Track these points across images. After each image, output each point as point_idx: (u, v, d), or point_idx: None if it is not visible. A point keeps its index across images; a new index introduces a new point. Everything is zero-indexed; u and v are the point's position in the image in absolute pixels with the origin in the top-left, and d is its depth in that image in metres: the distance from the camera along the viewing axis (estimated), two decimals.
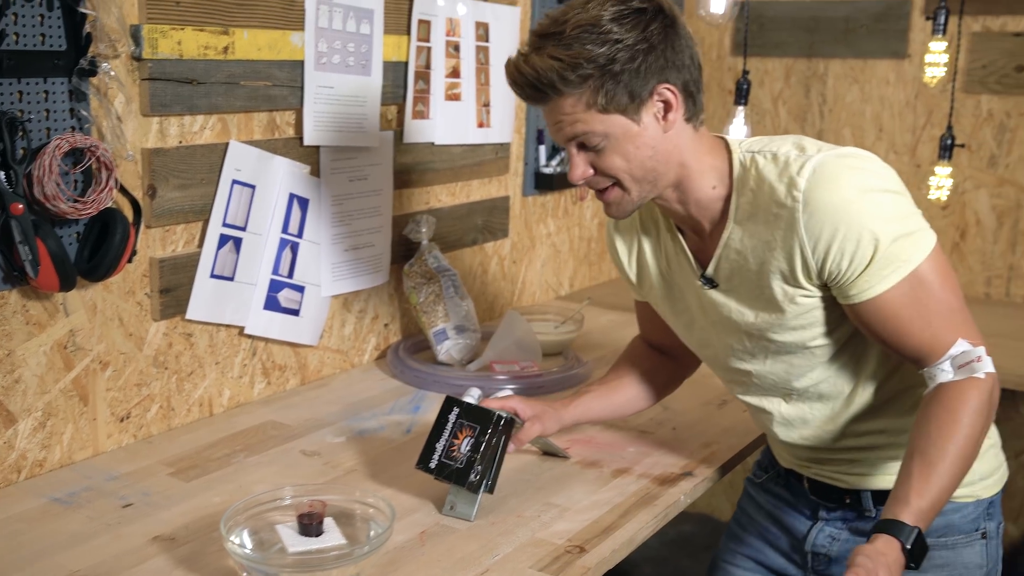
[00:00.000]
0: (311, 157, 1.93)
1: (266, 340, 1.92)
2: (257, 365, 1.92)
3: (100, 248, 1.53)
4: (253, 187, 1.81)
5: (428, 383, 2.02)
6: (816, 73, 3.13)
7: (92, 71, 1.50)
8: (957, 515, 1.46)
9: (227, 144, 1.75)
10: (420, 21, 2.10)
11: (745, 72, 2.42)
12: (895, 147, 3.03)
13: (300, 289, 1.95)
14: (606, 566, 1.38)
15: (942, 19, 2.34)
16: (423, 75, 2.15)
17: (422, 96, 2.15)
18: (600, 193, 1.40)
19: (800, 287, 1.35)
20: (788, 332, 1.40)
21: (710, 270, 1.43)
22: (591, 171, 1.36)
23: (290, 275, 1.92)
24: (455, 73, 2.23)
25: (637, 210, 1.43)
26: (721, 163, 1.39)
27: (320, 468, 1.63)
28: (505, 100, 2.40)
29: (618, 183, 1.36)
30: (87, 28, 1.48)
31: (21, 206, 1.41)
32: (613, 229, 1.59)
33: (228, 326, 1.84)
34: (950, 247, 2.97)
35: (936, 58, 2.37)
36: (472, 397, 1.54)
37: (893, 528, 1.22)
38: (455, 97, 2.24)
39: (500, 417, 1.48)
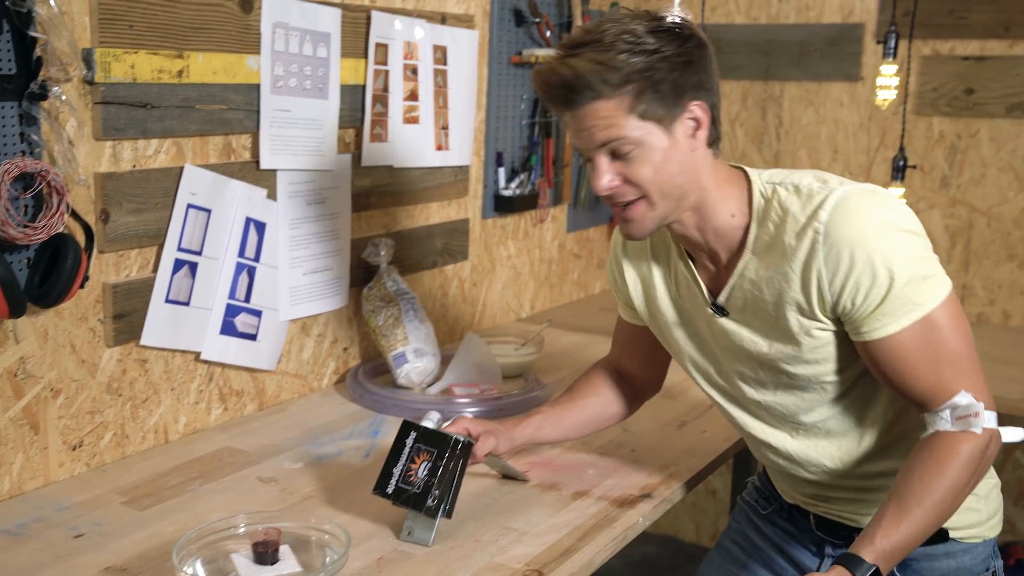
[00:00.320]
0: (268, 180, 1.92)
1: (223, 365, 1.91)
2: (214, 391, 1.90)
3: (51, 274, 1.51)
4: (209, 211, 1.80)
5: (387, 407, 2.01)
6: (772, 95, 3.17)
7: (43, 95, 1.48)
8: (968, 556, 1.46)
9: (182, 168, 1.74)
10: (377, 44, 2.10)
11: None
12: (850, 168, 3.07)
13: (257, 313, 1.94)
14: None
15: (892, 43, 2.38)
16: (381, 98, 2.15)
17: (380, 119, 2.15)
18: (623, 209, 1.36)
19: (816, 319, 1.34)
20: (802, 365, 1.39)
21: (722, 299, 1.43)
22: (618, 181, 1.33)
23: (247, 299, 1.91)
24: (413, 96, 2.23)
25: (655, 232, 1.40)
26: (741, 193, 1.39)
27: (276, 495, 1.62)
28: (464, 123, 2.41)
29: (645, 197, 1.34)
30: (38, 52, 1.47)
31: None
32: (622, 253, 1.58)
33: (184, 351, 1.82)
34: None
35: (887, 81, 2.41)
36: (431, 421, 1.53)
37: (851, 562, 1.24)
38: (413, 120, 2.24)
39: (458, 441, 1.47)
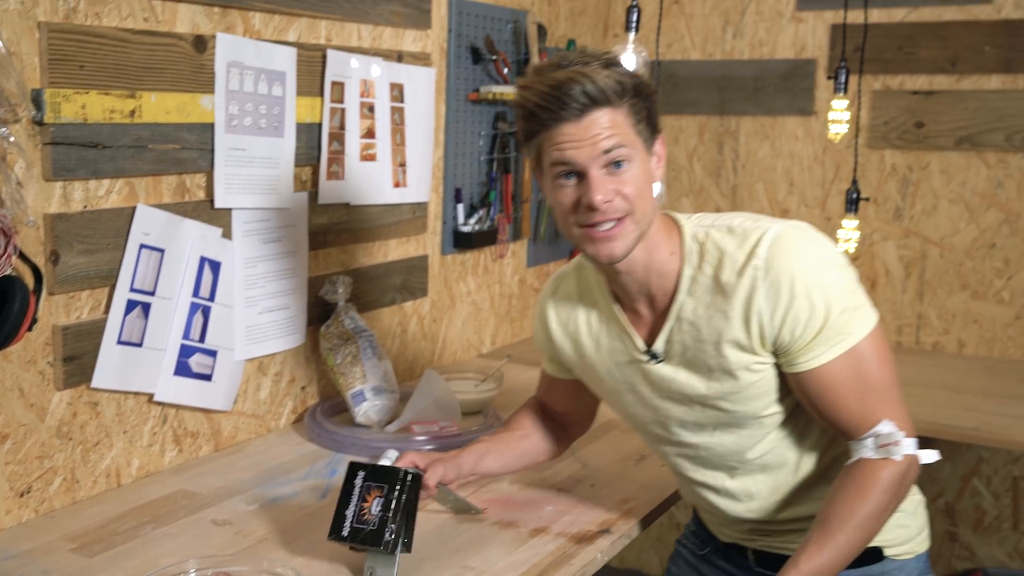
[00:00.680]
0: (223, 219, 1.91)
1: (177, 407, 1.88)
2: (168, 432, 1.87)
3: None
4: (162, 251, 1.78)
5: (346, 446, 1.99)
6: (728, 130, 3.21)
7: None
8: (903, 573, 1.50)
9: (134, 208, 1.72)
10: (333, 83, 2.11)
11: None
12: (806, 200, 3.11)
13: (212, 353, 1.92)
14: None
15: (843, 78, 2.42)
16: (337, 136, 2.15)
17: (337, 157, 2.15)
18: (609, 229, 1.35)
19: (755, 354, 1.37)
20: (742, 402, 1.42)
21: (658, 344, 1.45)
22: (612, 195, 1.33)
23: (202, 339, 1.89)
24: (370, 134, 2.23)
25: (628, 253, 1.39)
26: (674, 236, 1.42)
27: (230, 538, 1.59)
28: (422, 160, 2.42)
29: (631, 214, 1.35)
30: None
31: None
32: (548, 303, 1.59)
33: (137, 393, 1.80)
34: None
35: (839, 115, 2.45)
36: (388, 459, 1.52)
37: None
38: (370, 157, 2.24)
39: (407, 473, 1.46)
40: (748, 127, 3.18)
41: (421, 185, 2.43)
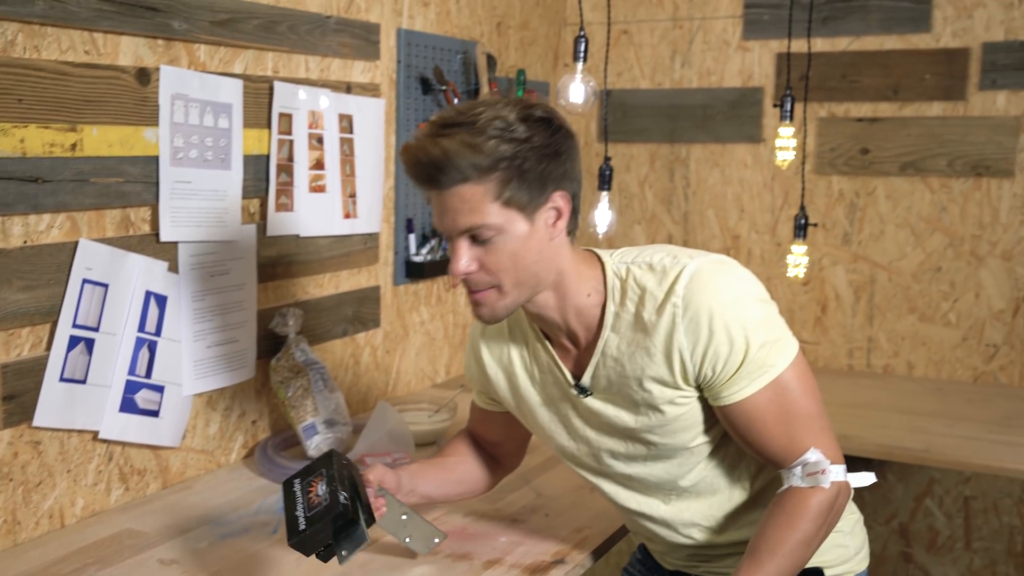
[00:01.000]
0: (169, 253, 1.88)
1: (123, 444, 1.85)
2: (114, 470, 1.84)
3: None
4: (106, 285, 1.75)
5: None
6: (679, 157, 3.24)
7: None
8: None
9: (77, 242, 1.70)
10: (281, 114, 2.10)
11: (607, 159, 2.49)
12: (756, 227, 3.14)
13: (159, 389, 1.89)
14: None
15: (788, 106, 2.46)
16: (286, 168, 2.13)
17: (285, 189, 2.14)
18: (474, 293, 1.37)
19: (679, 389, 1.38)
20: (669, 435, 1.42)
21: (585, 379, 1.45)
22: (475, 266, 1.34)
23: (148, 375, 1.86)
24: (319, 165, 2.23)
25: (508, 316, 1.41)
26: (596, 273, 1.42)
27: None
28: (372, 190, 2.41)
29: (498, 285, 1.35)
30: None
31: None
32: (480, 337, 1.58)
33: (81, 431, 1.76)
34: (812, 322, 3.08)
35: (785, 142, 2.49)
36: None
37: None
38: (320, 189, 2.23)
39: (332, 451, 1.46)
40: (698, 154, 3.22)
41: (372, 216, 2.42)
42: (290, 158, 2.14)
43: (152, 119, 1.81)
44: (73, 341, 1.71)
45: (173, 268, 1.89)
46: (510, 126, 1.29)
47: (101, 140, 1.72)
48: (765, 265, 3.12)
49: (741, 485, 1.48)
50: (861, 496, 2.67)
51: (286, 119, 2.12)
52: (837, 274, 3.05)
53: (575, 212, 1.38)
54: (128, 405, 1.82)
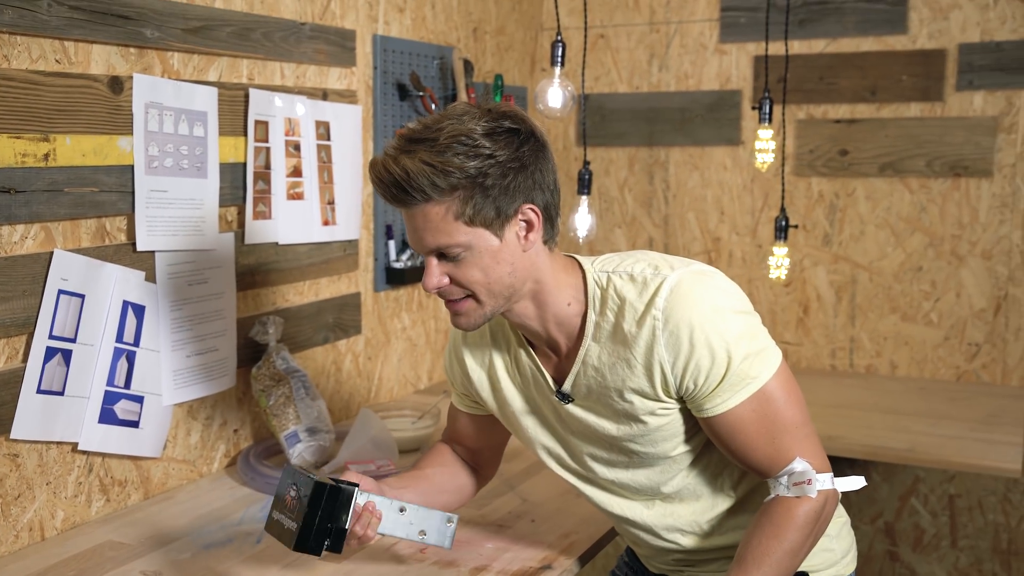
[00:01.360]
0: (146, 263, 1.87)
1: (103, 455, 1.83)
2: (94, 482, 1.82)
3: None
4: (82, 296, 1.74)
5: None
6: (658, 160, 3.25)
7: None
8: None
9: (51, 253, 1.68)
10: (257, 122, 2.09)
11: (586, 163, 2.49)
12: (737, 229, 3.15)
13: (139, 399, 1.87)
14: None
15: (767, 108, 2.46)
16: (263, 175, 2.12)
17: (263, 196, 2.13)
18: (451, 303, 1.37)
19: (660, 401, 1.37)
20: (650, 444, 1.42)
21: (567, 386, 1.44)
22: (446, 280, 1.34)
23: (127, 385, 1.84)
24: (296, 172, 2.21)
25: (486, 323, 1.41)
26: (576, 281, 1.41)
27: None
28: (351, 197, 2.40)
29: (472, 296, 1.35)
30: None
31: None
32: (462, 343, 1.57)
33: (60, 443, 1.74)
34: (795, 323, 3.09)
35: (764, 144, 2.49)
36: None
37: None
38: (298, 196, 2.22)
39: (287, 466, 1.44)
40: (677, 158, 3.22)
41: (351, 222, 2.41)
42: (267, 166, 2.13)
43: (126, 128, 1.80)
44: (50, 352, 1.69)
45: (150, 278, 1.88)
46: (474, 142, 1.27)
47: (75, 149, 1.70)
48: (746, 267, 3.12)
49: (725, 492, 1.48)
50: (847, 497, 2.68)
51: (262, 126, 2.11)
52: (818, 275, 3.05)
53: (550, 221, 1.36)
54: (107, 416, 1.81)
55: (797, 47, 2.96)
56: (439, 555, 1.66)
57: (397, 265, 2.59)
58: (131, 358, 1.85)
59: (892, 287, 2.97)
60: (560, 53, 2.31)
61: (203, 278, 1.99)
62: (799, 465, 1.35)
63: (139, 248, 1.84)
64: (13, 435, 1.65)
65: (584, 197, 2.50)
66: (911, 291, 2.95)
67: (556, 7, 2.42)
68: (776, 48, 2.57)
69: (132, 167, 1.81)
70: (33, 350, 1.67)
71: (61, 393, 1.72)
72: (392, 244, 2.58)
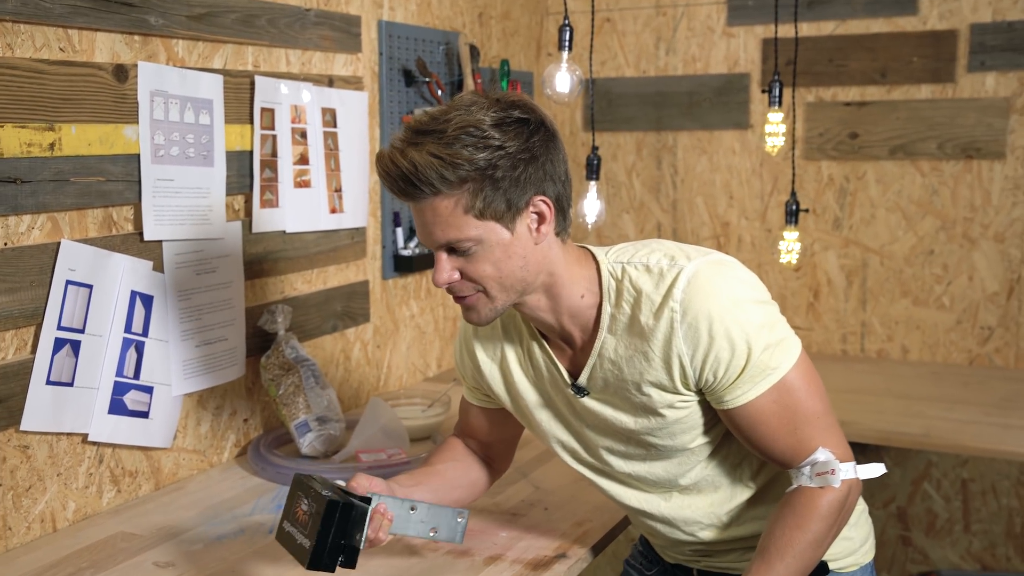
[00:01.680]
0: (154, 252, 1.85)
1: (114, 446, 1.82)
2: (105, 473, 1.81)
3: None
4: (90, 287, 1.72)
5: (292, 479, 1.93)
6: (666, 145, 3.22)
7: None
8: None
9: (58, 243, 1.67)
10: (263, 109, 2.07)
11: (595, 148, 2.47)
12: (746, 213, 3.13)
13: (148, 390, 1.86)
14: None
15: (777, 91, 2.44)
16: (269, 163, 2.11)
17: (270, 184, 2.11)
18: (461, 298, 1.35)
19: (679, 394, 1.35)
20: (668, 437, 1.40)
21: (582, 379, 1.42)
22: (457, 276, 1.31)
23: (136, 376, 1.83)
24: (303, 160, 2.20)
25: (498, 317, 1.39)
26: (590, 273, 1.38)
27: None
28: (358, 184, 2.38)
29: (483, 290, 1.32)
30: None
31: None
32: (472, 337, 1.54)
33: (70, 434, 1.74)
34: (805, 307, 3.07)
35: (774, 128, 2.46)
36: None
37: None
38: (305, 184, 2.21)
39: (297, 475, 1.42)
40: (685, 142, 3.20)
41: (358, 210, 2.40)
42: (274, 153, 2.12)
43: (131, 116, 1.78)
44: (59, 343, 1.68)
45: (158, 267, 1.86)
46: (483, 133, 1.24)
47: (80, 139, 1.69)
48: (756, 252, 3.10)
49: (744, 482, 1.46)
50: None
51: (268, 114, 2.09)
52: (829, 259, 3.03)
53: (562, 213, 1.33)
54: (117, 407, 1.80)
55: (806, 29, 2.93)
56: (453, 546, 1.64)
57: (405, 253, 2.58)
58: (140, 348, 1.83)
59: (903, 271, 2.95)
60: (567, 37, 2.28)
61: (211, 267, 1.98)
62: (822, 455, 1.33)
63: (146, 238, 1.83)
64: (23, 427, 1.64)
65: (592, 183, 2.48)
66: (923, 275, 2.93)
67: None
68: (785, 30, 2.55)
69: (138, 156, 1.79)
70: (42, 341, 1.65)
71: (70, 384, 1.71)
72: (400, 232, 2.57)
